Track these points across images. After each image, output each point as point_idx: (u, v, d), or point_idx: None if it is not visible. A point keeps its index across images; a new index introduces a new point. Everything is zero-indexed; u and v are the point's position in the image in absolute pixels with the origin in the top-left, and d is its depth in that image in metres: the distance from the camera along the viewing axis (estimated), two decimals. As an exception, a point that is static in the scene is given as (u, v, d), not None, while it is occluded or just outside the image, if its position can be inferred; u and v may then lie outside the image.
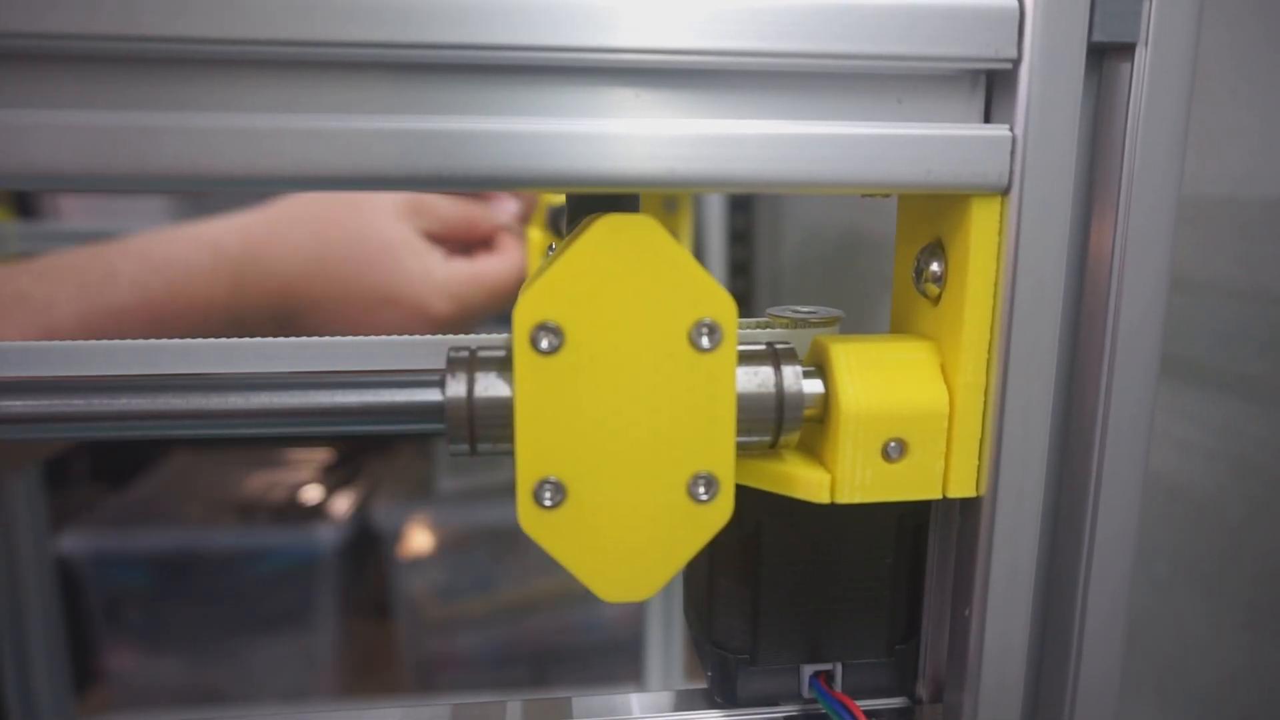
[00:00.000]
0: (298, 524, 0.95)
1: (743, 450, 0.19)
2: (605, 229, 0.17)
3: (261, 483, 1.03)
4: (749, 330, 0.22)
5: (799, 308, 0.22)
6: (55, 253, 0.42)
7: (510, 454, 0.17)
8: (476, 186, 0.17)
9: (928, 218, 0.20)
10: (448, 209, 0.48)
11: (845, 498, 0.19)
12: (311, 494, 1.01)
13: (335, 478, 1.05)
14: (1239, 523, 0.41)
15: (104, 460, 1.06)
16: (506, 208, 0.51)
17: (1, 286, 0.39)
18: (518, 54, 0.16)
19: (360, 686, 0.99)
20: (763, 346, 0.19)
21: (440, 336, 0.20)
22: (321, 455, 1.11)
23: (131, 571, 0.92)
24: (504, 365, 0.18)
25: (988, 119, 0.18)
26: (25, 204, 0.91)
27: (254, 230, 0.44)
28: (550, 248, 0.30)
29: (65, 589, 0.80)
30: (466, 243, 0.49)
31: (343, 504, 0.99)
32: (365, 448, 1.13)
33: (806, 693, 0.22)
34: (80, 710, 0.89)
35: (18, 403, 0.17)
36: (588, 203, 0.21)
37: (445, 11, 0.16)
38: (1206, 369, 0.42)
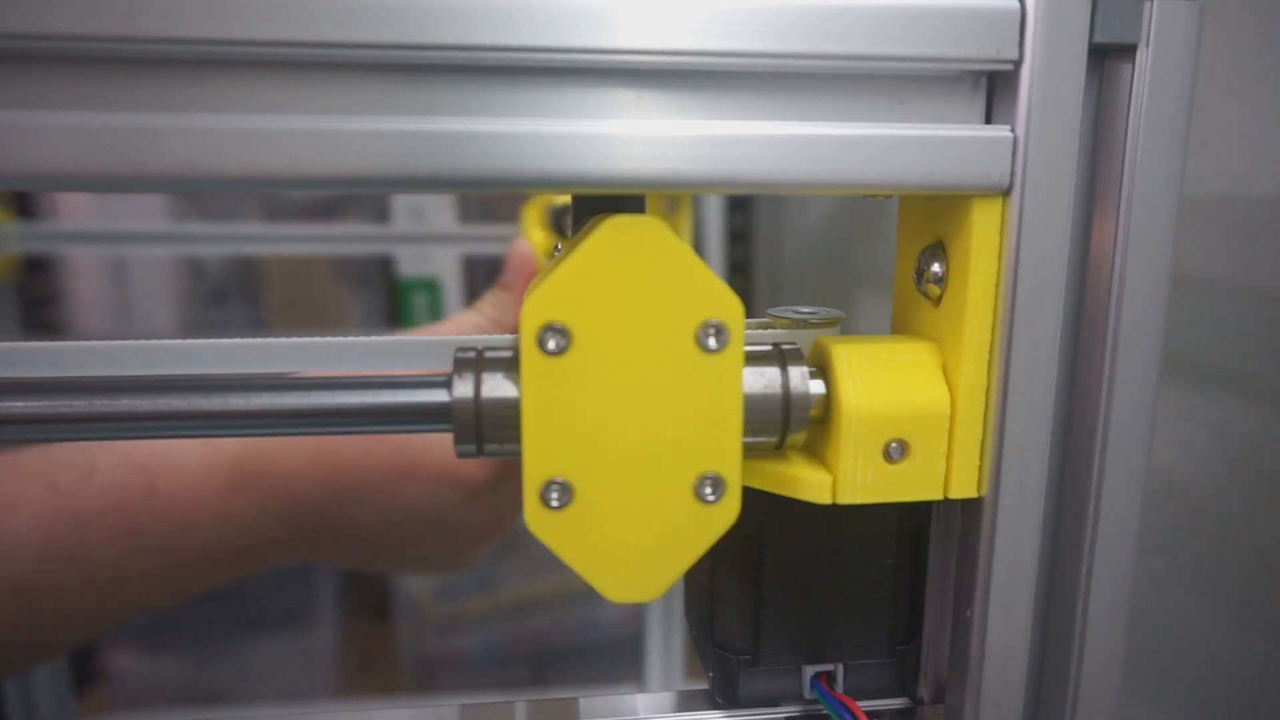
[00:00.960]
0: (297, 524, 0.95)
1: (749, 451, 0.19)
2: (611, 230, 0.17)
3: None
4: (752, 331, 0.22)
5: (800, 308, 0.22)
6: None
7: (517, 455, 0.17)
8: (477, 187, 0.17)
9: (929, 218, 0.20)
10: None
11: (847, 498, 0.19)
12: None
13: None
14: (1236, 520, 0.41)
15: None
16: None
17: None
18: (518, 55, 0.16)
19: (360, 686, 0.99)
20: (769, 347, 0.19)
21: (444, 337, 0.20)
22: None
23: (131, 571, 0.92)
24: (511, 366, 0.18)
25: (989, 120, 0.18)
26: (25, 204, 0.91)
27: None
28: (556, 248, 0.30)
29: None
30: None
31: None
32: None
33: (808, 693, 0.22)
34: (80, 710, 0.89)
35: (18, 403, 0.17)
36: (593, 204, 0.21)
37: (445, 12, 0.16)
38: (1205, 367, 0.42)
